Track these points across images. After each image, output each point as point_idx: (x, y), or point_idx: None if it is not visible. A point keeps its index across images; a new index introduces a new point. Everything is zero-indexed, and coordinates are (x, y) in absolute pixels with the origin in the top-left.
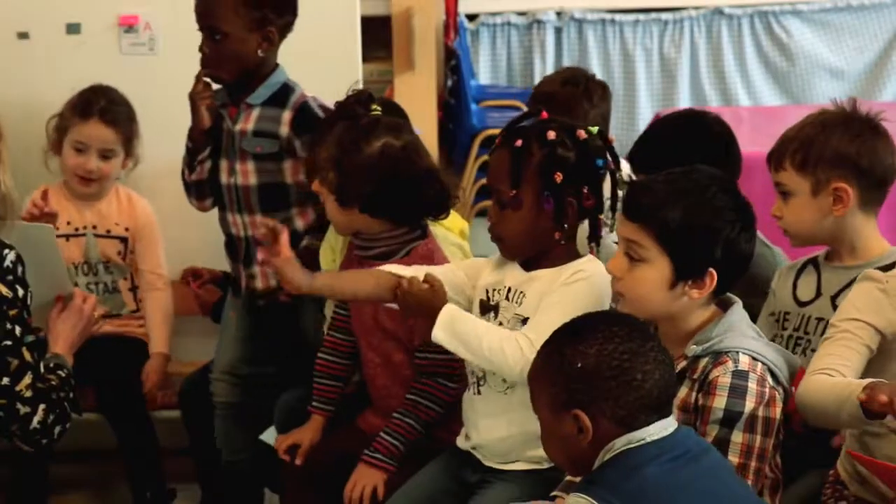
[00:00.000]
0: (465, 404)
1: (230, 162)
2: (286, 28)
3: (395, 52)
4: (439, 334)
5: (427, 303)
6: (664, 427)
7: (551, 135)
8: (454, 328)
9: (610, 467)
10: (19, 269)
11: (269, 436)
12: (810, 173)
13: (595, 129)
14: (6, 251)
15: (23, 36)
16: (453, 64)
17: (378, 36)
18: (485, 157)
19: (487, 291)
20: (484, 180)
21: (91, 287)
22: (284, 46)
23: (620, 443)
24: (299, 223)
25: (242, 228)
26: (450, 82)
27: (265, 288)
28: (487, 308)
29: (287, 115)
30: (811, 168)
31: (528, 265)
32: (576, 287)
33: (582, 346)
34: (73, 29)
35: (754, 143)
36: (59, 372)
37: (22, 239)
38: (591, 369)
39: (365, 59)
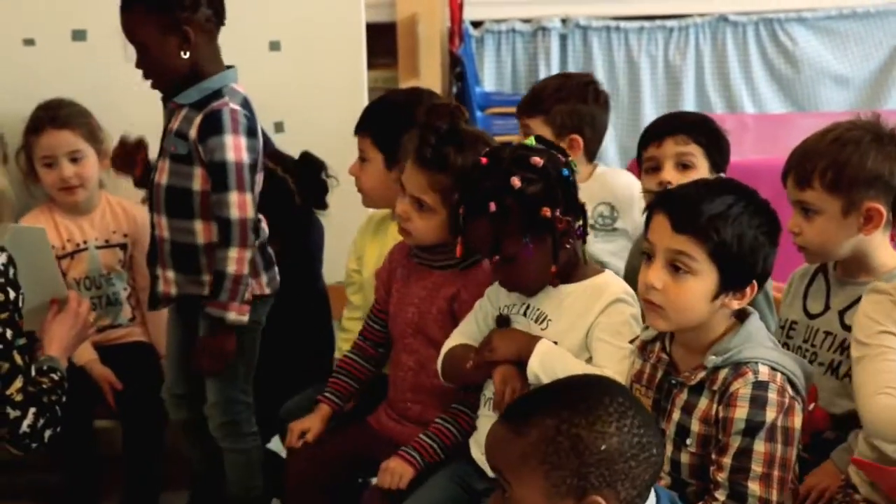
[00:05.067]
0: (480, 419)
1: (158, 159)
2: (209, 22)
3: (401, 58)
4: (535, 366)
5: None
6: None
7: (516, 182)
8: (545, 363)
9: None
10: (10, 272)
11: (276, 444)
12: (843, 194)
13: (532, 140)
14: None
15: (29, 42)
16: (458, 71)
17: (383, 43)
18: None
19: (500, 309)
20: None
21: (95, 301)
22: (290, 54)
23: None
24: (201, 237)
25: (153, 227)
26: (455, 89)
27: (164, 293)
28: (503, 322)
29: (198, 119)
30: (845, 189)
31: None
32: (621, 313)
33: (599, 426)
34: (78, 36)
35: (759, 151)
36: (52, 375)
37: (14, 241)
38: (613, 451)
39: (370, 65)
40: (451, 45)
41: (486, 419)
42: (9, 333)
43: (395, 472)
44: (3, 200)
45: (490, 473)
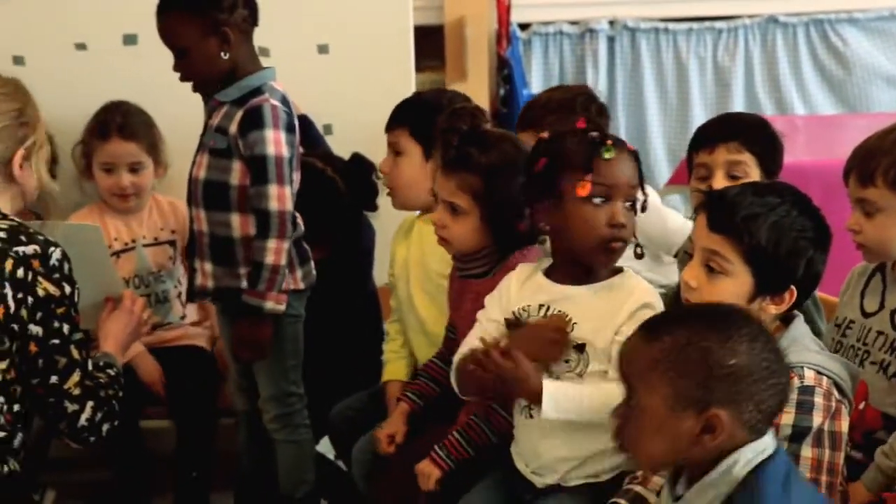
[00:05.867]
0: (518, 428)
1: (196, 154)
2: (245, 22)
3: (448, 61)
4: (551, 415)
5: (518, 380)
6: (771, 439)
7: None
8: (559, 407)
9: (764, 482)
10: (66, 267)
11: (325, 446)
12: None
13: None
14: (52, 249)
15: (80, 47)
16: (506, 73)
17: (431, 45)
18: None
19: (514, 312)
20: None
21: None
22: (338, 57)
23: (749, 452)
24: (237, 231)
25: (191, 221)
26: (502, 91)
27: (201, 286)
28: (513, 325)
29: (239, 114)
30: None
31: (560, 277)
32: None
33: (730, 344)
34: (130, 40)
35: (810, 152)
36: (109, 370)
37: (68, 239)
38: (741, 368)
39: (418, 68)
40: (499, 47)
41: (524, 428)
42: (66, 328)
43: (424, 473)
44: (51, 200)
45: (538, 484)
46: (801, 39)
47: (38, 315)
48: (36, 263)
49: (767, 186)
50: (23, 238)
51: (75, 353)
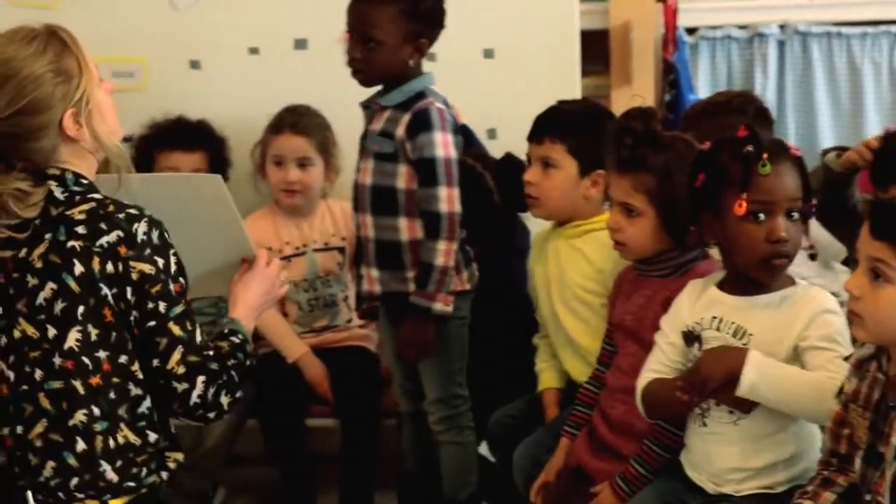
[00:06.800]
0: (691, 438)
1: (360, 160)
2: (434, 40)
3: (613, 66)
4: (751, 374)
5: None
6: None
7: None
8: (764, 372)
9: None
10: (155, 236)
11: (484, 449)
12: None
13: None
14: (136, 225)
15: (253, 51)
16: (671, 78)
17: (595, 50)
18: None
19: (689, 325)
20: None
21: (312, 302)
22: (504, 61)
23: None
24: (405, 235)
25: (358, 228)
26: (668, 97)
27: (368, 292)
28: (691, 338)
29: (406, 118)
30: None
31: (732, 289)
32: (831, 324)
33: None
34: (300, 44)
35: None
36: (233, 338)
37: (183, 194)
38: None
39: (583, 72)
40: (665, 52)
41: (698, 436)
42: (161, 306)
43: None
44: (119, 157)
45: (710, 490)
46: None
47: (133, 299)
48: (123, 250)
49: None
50: (103, 226)
51: (176, 330)
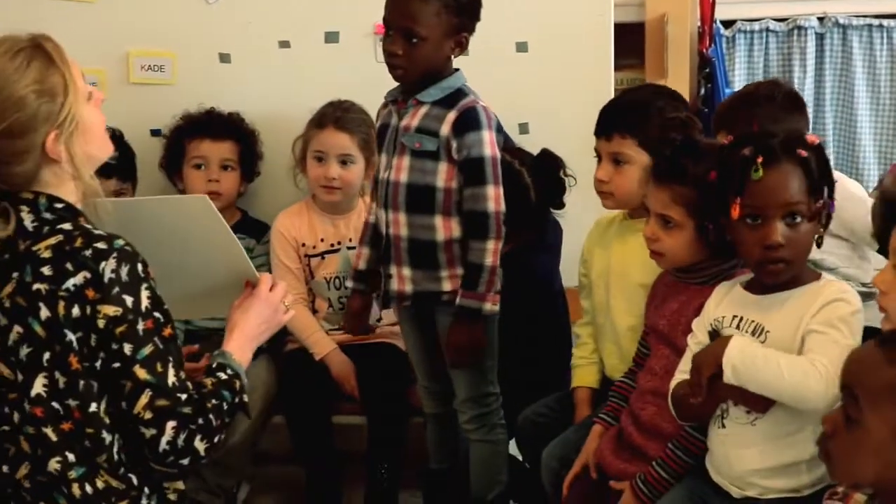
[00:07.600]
0: (712, 441)
1: (388, 157)
2: (472, 33)
3: (648, 59)
4: (733, 357)
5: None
6: None
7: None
8: (745, 353)
9: None
10: (124, 273)
11: (513, 448)
12: None
13: None
14: (102, 263)
15: (284, 45)
16: (707, 72)
17: (629, 43)
18: None
19: (712, 324)
20: None
21: (343, 300)
22: (537, 55)
23: None
24: (440, 234)
25: (385, 225)
26: (703, 90)
27: (399, 291)
28: (714, 337)
29: (452, 115)
30: None
31: (755, 288)
32: (836, 309)
33: None
34: (331, 38)
35: None
36: (220, 374)
37: (176, 214)
38: None
39: (617, 66)
40: (701, 45)
41: (717, 438)
42: (127, 348)
43: None
44: (90, 186)
45: (734, 494)
46: None
47: (97, 342)
48: (91, 293)
49: None
50: (69, 266)
51: (142, 374)
